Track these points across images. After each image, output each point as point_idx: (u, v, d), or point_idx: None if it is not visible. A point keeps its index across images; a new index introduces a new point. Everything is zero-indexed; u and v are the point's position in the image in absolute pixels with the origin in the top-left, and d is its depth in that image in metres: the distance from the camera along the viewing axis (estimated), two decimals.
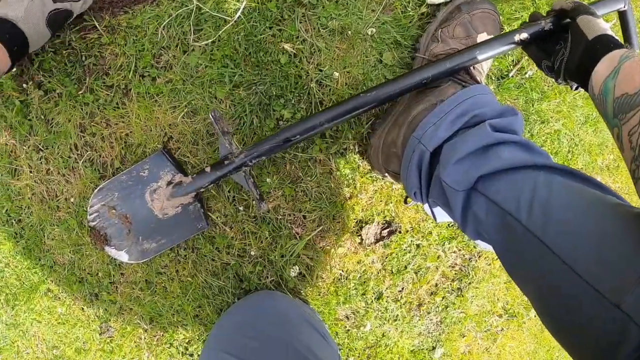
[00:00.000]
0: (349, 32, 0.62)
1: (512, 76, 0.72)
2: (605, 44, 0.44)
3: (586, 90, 0.46)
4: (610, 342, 0.33)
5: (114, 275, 0.73)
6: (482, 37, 0.58)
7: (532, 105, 0.74)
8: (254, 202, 0.65)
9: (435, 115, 0.53)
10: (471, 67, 0.57)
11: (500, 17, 0.62)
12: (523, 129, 0.53)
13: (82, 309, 0.78)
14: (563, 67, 0.49)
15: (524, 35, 0.54)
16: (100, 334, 0.80)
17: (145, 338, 0.78)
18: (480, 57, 0.55)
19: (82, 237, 0.71)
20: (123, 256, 0.67)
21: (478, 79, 0.59)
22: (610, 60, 0.42)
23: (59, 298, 0.78)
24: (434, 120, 0.53)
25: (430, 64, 0.56)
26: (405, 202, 0.64)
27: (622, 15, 0.56)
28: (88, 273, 0.74)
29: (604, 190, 0.42)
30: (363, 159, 0.66)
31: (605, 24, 0.48)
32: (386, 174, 0.62)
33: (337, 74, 0.63)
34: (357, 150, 0.66)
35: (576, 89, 0.50)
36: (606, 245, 0.36)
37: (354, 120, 0.65)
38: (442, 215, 0.56)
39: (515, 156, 0.46)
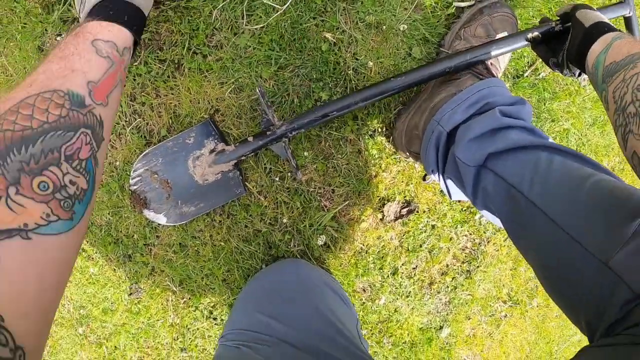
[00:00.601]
0: (384, 26, 0.69)
1: (527, 76, 0.79)
2: (600, 29, 0.49)
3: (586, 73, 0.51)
4: (600, 296, 0.38)
5: (149, 238, 0.79)
6: (499, 36, 0.65)
7: (544, 104, 0.80)
8: (289, 173, 0.71)
9: (454, 102, 0.59)
10: (489, 63, 0.64)
11: (518, 21, 0.69)
12: (531, 118, 0.60)
13: (114, 269, 0.83)
14: (565, 54, 0.55)
15: (535, 34, 0.60)
16: (129, 294, 0.85)
17: (172, 300, 0.83)
18: (495, 52, 0.62)
19: (122, 200, 0.77)
20: (161, 219, 0.73)
21: (494, 73, 0.66)
22: (603, 41, 0.48)
23: (92, 258, 0.83)
24: (452, 106, 0.59)
25: (452, 55, 0.63)
26: (424, 179, 0.70)
27: (627, 21, 0.62)
28: (124, 235, 0.79)
29: (599, 169, 0.48)
30: (389, 141, 0.72)
31: (601, 15, 0.53)
32: (408, 155, 0.68)
33: (371, 63, 0.70)
34: (384, 133, 0.72)
35: (579, 75, 0.55)
36: (597, 213, 0.42)
37: (383, 106, 0.71)
38: (457, 193, 0.62)
39: (521, 137, 0.53)
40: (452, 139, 0.58)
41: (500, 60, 0.67)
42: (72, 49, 0.34)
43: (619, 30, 0.50)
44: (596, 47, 0.48)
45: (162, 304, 0.84)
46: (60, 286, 0.28)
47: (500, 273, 0.87)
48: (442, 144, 0.59)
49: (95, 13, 0.39)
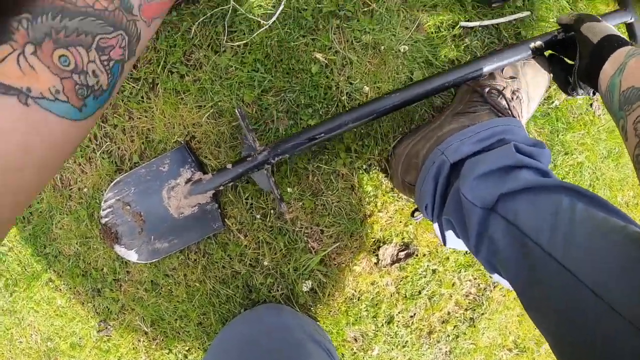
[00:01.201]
0: (382, 47, 0.61)
1: (540, 105, 0.71)
2: (610, 44, 0.45)
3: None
4: None
5: (119, 273, 0.71)
6: (527, 80, 0.58)
7: (557, 136, 0.72)
8: (272, 209, 0.63)
9: (464, 133, 0.52)
10: (512, 104, 0.56)
11: (551, 77, 0.60)
12: (549, 163, 0.51)
13: (82, 303, 0.76)
14: (576, 74, 0.50)
15: (538, 43, 0.55)
16: (98, 331, 0.78)
17: (144, 341, 0.75)
18: (498, 64, 0.56)
19: (92, 230, 0.70)
20: (132, 255, 0.65)
21: (516, 115, 0.57)
22: (615, 59, 0.44)
23: (60, 290, 0.76)
24: (461, 137, 0.51)
25: (451, 69, 0.56)
26: (413, 214, 0.62)
27: (629, 27, 0.59)
28: (93, 267, 0.72)
29: (626, 220, 0.40)
30: (386, 177, 0.64)
31: (609, 26, 0.49)
32: (402, 188, 0.60)
33: (367, 88, 0.62)
34: (381, 168, 0.64)
35: (593, 94, 0.52)
36: (633, 272, 0.33)
37: (380, 137, 0.63)
38: (453, 241, 0.54)
39: (538, 179, 0.45)
40: (456, 173, 0.50)
41: (524, 106, 0.59)
42: None
43: (630, 43, 0.46)
44: (608, 68, 0.44)
45: (133, 344, 0.77)
46: (47, 172, 0.26)
47: (507, 320, 0.78)
48: (443, 175, 0.51)
49: None
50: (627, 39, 0.56)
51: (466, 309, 0.74)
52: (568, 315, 0.36)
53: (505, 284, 0.47)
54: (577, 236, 0.38)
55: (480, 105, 0.56)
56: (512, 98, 0.55)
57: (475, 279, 0.73)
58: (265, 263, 0.64)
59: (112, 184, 0.64)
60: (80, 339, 0.79)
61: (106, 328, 0.78)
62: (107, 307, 0.74)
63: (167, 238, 0.63)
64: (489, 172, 0.46)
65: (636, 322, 0.30)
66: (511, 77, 0.57)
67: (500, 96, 0.55)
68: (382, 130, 0.63)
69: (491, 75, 0.57)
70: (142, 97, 0.63)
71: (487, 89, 0.55)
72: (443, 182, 0.51)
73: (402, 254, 0.65)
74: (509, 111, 0.54)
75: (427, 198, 0.52)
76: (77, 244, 0.71)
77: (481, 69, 0.55)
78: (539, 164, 0.47)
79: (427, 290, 0.69)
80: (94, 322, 0.77)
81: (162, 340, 0.74)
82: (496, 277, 0.48)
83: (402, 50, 0.62)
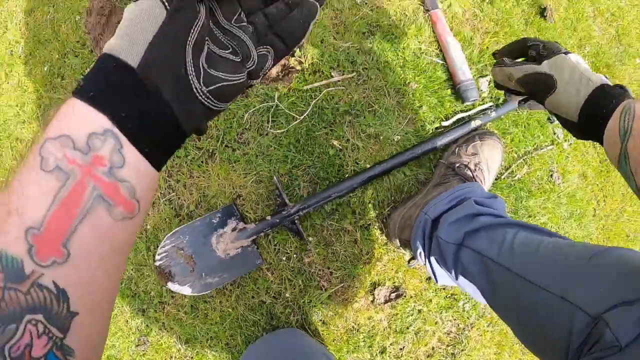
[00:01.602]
0: (381, 137, 0.84)
1: (504, 178, 0.91)
2: (594, 120, 0.42)
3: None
4: (563, 328, 0.44)
5: (165, 297, 0.89)
6: (485, 156, 0.80)
7: (521, 202, 0.91)
8: (295, 254, 0.82)
9: (439, 198, 0.72)
10: (475, 174, 0.77)
11: (505, 147, 0.83)
12: (504, 209, 0.71)
13: (127, 320, 0.92)
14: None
15: (478, 123, 0.78)
16: (136, 346, 0.93)
17: (176, 357, 0.91)
18: (448, 139, 0.82)
19: (146, 260, 0.88)
20: (186, 290, 0.83)
21: (479, 181, 0.78)
22: (611, 141, 0.40)
23: None
24: (437, 201, 0.72)
25: (417, 145, 0.82)
26: (409, 263, 0.80)
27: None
28: (142, 290, 0.89)
29: (555, 235, 0.58)
30: (381, 233, 0.84)
31: (580, 65, 0.46)
32: (399, 243, 0.79)
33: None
34: (377, 226, 0.84)
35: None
36: (549, 262, 0.51)
37: (378, 203, 0.84)
38: (442, 277, 0.72)
39: (492, 219, 0.64)
40: (437, 226, 0.70)
41: (486, 175, 0.80)
42: (20, 168, 0.23)
43: (613, 95, 0.42)
44: (609, 149, 0.41)
45: (165, 359, 0.92)
46: None
47: (485, 357, 0.92)
48: (427, 229, 0.70)
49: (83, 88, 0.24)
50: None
51: (448, 345, 0.89)
52: (518, 302, 0.53)
53: (469, 289, 0.64)
54: (517, 247, 0.56)
55: (452, 177, 0.77)
56: (475, 169, 0.76)
57: (455, 319, 0.89)
58: (287, 295, 0.82)
59: (170, 233, 0.84)
60: (118, 351, 0.94)
61: (144, 343, 0.93)
62: (148, 325, 0.91)
63: (217, 274, 0.82)
64: (456, 220, 0.65)
65: (564, 295, 0.45)
66: (473, 154, 0.78)
67: (467, 169, 0.76)
68: (379, 199, 0.84)
69: (458, 154, 0.79)
70: (202, 162, 0.85)
71: (456, 165, 0.77)
72: (428, 232, 0.70)
73: (393, 295, 0.82)
74: (474, 179, 0.75)
75: (419, 247, 0.71)
76: (132, 269, 0.90)
77: (435, 145, 0.81)
78: (494, 210, 0.67)
79: (414, 327, 0.85)
80: (134, 337, 0.93)
81: (192, 357, 0.90)
82: (464, 283, 0.65)
83: (395, 139, 0.84)
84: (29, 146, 0.23)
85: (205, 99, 0.26)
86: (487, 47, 0.96)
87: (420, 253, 0.72)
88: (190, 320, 0.88)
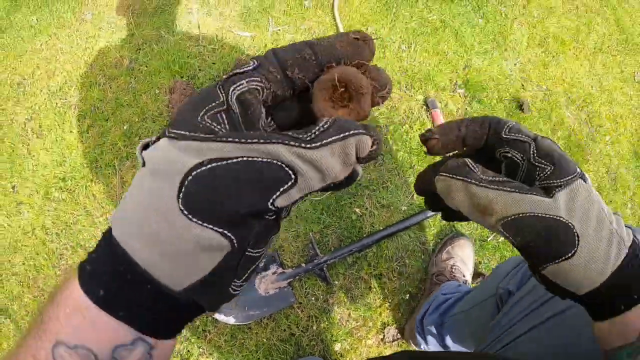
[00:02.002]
0: (392, 207, 1.09)
1: (490, 240, 1.14)
2: (617, 306, 0.27)
3: None
4: None
5: (208, 326, 1.09)
6: (458, 254, 1.03)
7: (505, 259, 1.14)
8: (322, 296, 1.04)
9: (423, 306, 0.97)
10: (453, 275, 1.00)
11: (474, 245, 1.07)
12: (468, 289, 0.95)
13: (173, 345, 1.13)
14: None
15: (430, 214, 1.00)
16: None
17: None
18: (406, 225, 1.04)
19: None
20: (230, 320, 1.04)
21: (458, 276, 1.01)
22: (623, 332, 0.27)
23: None
24: (421, 308, 0.96)
25: (419, 213, 1.04)
26: (413, 313, 1.02)
27: None
28: None
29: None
30: (390, 280, 1.06)
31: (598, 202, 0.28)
32: (413, 344, 1.02)
33: (381, 229, 1.08)
34: (387, 277, 1.06)
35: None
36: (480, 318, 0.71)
37: (389, 258, 1.07)
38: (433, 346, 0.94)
39: (448, 302, 0.89)
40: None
41: (464, 268, 1.04)
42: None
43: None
44: (622, 330, 0.27)
45: None
46: None
47: None
48: (419, 328, 0.95)
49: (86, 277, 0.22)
50: None
51: None
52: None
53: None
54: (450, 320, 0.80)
55: (435, 285, 1.00)
56: (452, 270, 0.99)
57: None
58: (313, 329, 1.03)
59: None
60: None
61: None
62: (189, 350, 1.10)
63: (257, 308, 1.04)
64: (432, 311, 0.90)
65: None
66: (447, 259, 1.02)
67: (443, 276, 1.00)
68: (389, 254, 1.07)
69: (436, 263, 1.03)
70: None
71: (436, 275, 1.01)
72: (420, 330, 0.94)
73: (400, 335, 1.03)
74: (453, 278, 0.98)
75: (420, 342, 0.95)
76: None
77: (421, 218, 1.04)
78: (455, 295, 0.90)
79: None
80: None
81: None
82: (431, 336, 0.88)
83: (403, 209, 1.09)
84: (35, 315, 0.22)
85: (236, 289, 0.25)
86: None
87: (421, 344, 0.95)
88: (229, 347, 1.08)
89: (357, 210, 1.07)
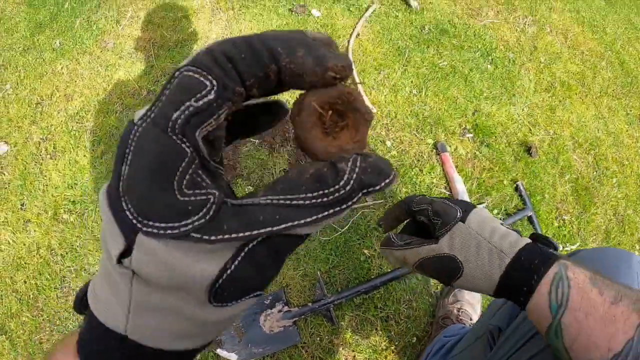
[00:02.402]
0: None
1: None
2: (515, 299, 0.36)
3: None
4: None
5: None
6: (465, 297, 1.03)
7: None
8: (326, 337, 1.04)
9: (430, 346, 0.97)
10: (460, 319, 1.00)
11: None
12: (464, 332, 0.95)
13: None
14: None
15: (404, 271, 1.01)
16: None
17: None
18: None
19: None
20: (233, 356, 1.03)
21: (465, 319, 1.00)
22: (538, 314, 0.35)
23: None
24: (429, 349, 0.96)
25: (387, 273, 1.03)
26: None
27: (530, 219, 0.97)
28: None
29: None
30: (396, 323, 1.06)
31: (490, 219, 0.41)
32: None
33: (389, 271, 1.08)
34: (394, 319, 1.06)
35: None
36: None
37: (396, 300, 1.07)
38: None
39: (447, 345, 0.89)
40: None
41: (471, 311, 1.04)
42: None
43: (552, 248, 0.38)
44: (536, 318, 0.36)
45: None
46: None
47: None
48: None
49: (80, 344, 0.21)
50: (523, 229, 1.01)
51: None
52: None
53: None
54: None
55: (441, 328, 1.00)
56: (459, 314, 0.99)
57: None
58: None
59: None
60: None
61: None
62: None
63: (261, 346, 1.03)
64: (433, 353, 0.90)
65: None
66: (454, 302, 1.02)
67: (449, 320, 1.00)
68: (397, 297, 1.07)
69: (443, 306, 1.03)
70: None
71: (442, 318, 1.01)
72: None
73: None
74: (460, 321, 0.99)
75: None
76: None
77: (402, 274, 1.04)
78: (456, 337, 0.89)
79: None
80: None
81: None
82: None
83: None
84: None
85: None
86: (484, 181, 1.25)
87: None
88: None
89: (366, 251, 1.08)
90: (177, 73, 0.17)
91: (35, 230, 1.23)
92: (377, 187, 0.18)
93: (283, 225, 0.17)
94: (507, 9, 1.66)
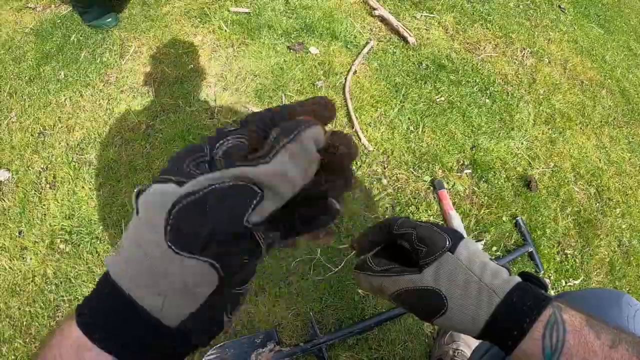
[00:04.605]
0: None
1: None
2: (503, 344, 0.34)
3: None
4: None
5: None
6: (463, 338, 1.01)
7: None
8: None
9: None
10: (456, 354, 0.97)
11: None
12: None
13: None
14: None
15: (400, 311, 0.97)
16: None
17: None
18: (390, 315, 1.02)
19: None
20: None
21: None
22: (530, 358, 0.32)
23: None
24: None
25: (395, 307, 1.01)
26: None
27: (531, 255, 0.93)
28: None
29: None
30: None
31: (479, 253, 0.37)
32: None
33: (384, 311, 1.06)
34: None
35: None
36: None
37: (391, 341, 1.05)
38: None
39: None
40: None
41: (468, 352, 1.01)
42: None
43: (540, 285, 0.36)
44: (526, 357, 0.33)
45: None
46: None
47: None
48: None
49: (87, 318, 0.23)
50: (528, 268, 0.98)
51: None
52: None
53: None
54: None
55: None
56: (454, 355, 0.97)
57: None
58: None
59: (217, 345, 1.05)
60: None
61: None
62: None
63: None
64: None
65: None
66: (451, 342, 0.99)
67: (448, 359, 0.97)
68: (391, 338, 1.05)
69: (439, 346, 1.00)
70: (254, 293, 1.09)
71: (437, 359, 0.98)
72: None
73: None
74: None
75: None
76: None
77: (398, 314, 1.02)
78: None
79: None
80: None
81: None
82: None
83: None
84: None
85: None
86: (483, 217, 1.23)
87: None
88: None
89: (360, 291, 1.06)
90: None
91: (31, 258, 1.23)
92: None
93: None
94: (505, 42, 1.68)
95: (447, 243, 0.37)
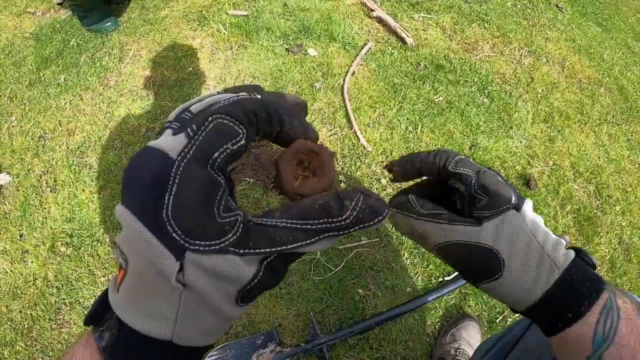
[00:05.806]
0: (396, 288, 1.08)
1: (499, 322, 1.11)
2: (554, 324, 0.30)
3: None
4: None
5: None
6: (464, 337, 1.01)
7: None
8: None
9: None
10: (461, 357, 0.97)
11: (481, 327, 1.05)
12: None
13: None
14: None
15: (435, 295, 0.98)
16: None
17: None
18: (445, 291, 1.02)
19: None
20: None
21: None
22: (576, 345, 0.29)
23: None
24: None
25: (424, 295, 1.02)
26: None
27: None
28: None
29: None
30: None
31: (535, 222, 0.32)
32: None
33: (385, 310, 1.06)
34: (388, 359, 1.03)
35: None
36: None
37: (392, 341, 1.05)
38: None
39: None
40: None
41: (470, 351, 1.01)
42: None
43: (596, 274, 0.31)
44: (575, 342, 0.29)
45: None
46: None
47: None
48: None
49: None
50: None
51: None
52: None
53: None
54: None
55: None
56: (457, 354, 0.97)
57: None
58: None
59: (219, 346, 1.05)
60: None
61: None
62: None
63: None
64: None
65: None
66: (453, 341, 0.99)
67: (449, 358, 0.97)
68: (392, 337, 1.05)
69: (440, 346, 1.00)
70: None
71: (438, 359, 0.98)
72: None
73: None
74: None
75: None
76: None
77: (424, 301, 1.02)
78: None
79: None
80: None
81: None
82: None
83: (407, 290, 1.08)
84: None
85: None
86: None
87: None
88: None
89: (361, 291, 1.06)
90: (210, 118, 0.22)
91: (32, 261, 1.23)
92: (371, 224, 0.22)
93: (293, 245, 0.21)
94: (503, 42, 1.68)
95: (514, 199, 0.32)
